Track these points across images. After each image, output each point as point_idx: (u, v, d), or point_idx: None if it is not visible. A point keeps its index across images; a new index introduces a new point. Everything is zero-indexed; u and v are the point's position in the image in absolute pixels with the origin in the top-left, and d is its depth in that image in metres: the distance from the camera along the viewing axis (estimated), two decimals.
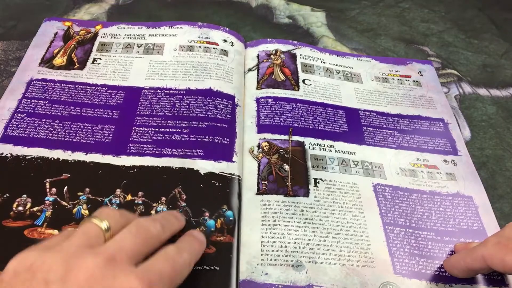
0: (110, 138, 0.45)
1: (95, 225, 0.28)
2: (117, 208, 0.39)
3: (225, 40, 0.56)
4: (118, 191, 0.41)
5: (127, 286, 0.24)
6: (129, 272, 0.25)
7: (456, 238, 0.41)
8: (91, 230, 0.27)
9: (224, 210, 0.40)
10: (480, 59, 0.62)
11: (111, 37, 0.56)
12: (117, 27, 0.57)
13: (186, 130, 0.46)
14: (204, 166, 0.43)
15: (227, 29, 0.58)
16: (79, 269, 0.24)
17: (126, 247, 0.27)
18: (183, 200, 0.41)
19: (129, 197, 0.40)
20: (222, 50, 0.55)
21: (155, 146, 0.45)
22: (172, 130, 0.46)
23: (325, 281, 0.37)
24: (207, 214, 0.40)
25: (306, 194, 0.43)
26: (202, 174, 0.43)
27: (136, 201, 0.40)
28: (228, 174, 0.43)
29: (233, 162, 0.44)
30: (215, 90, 0.50)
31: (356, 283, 0.37)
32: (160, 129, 0.46)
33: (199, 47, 0.55)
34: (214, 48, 0.55)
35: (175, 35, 0.56)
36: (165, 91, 0.50)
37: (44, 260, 0.24)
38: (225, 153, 0.45)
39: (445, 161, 0.48)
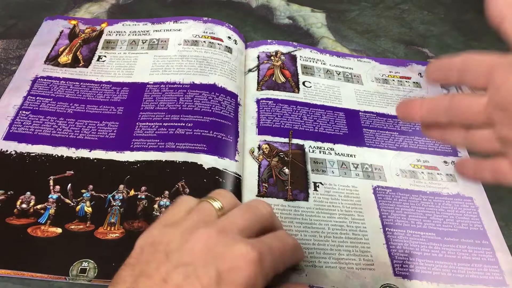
0: (114, 134, 0.45)
1: (209, 204, 0.30)
2: (120, 204, 0.40)
3: (229, 37, 0.56)
4: (121, 186, 0.41)
5: (239, 252, 0.26)
6: (239, 241, 0.27)
7: (456, 239, 0.41)
8: (205, 208, 0.30)
9: None
10: None
11: (116, 35, 0.56)
12: (122, 24, 0.57)
13: (190, 124, 0.46)
14: (207, 161, 0.43)
15: (231, 26, 0.58)
16: (194, 240, 0.27)
17: (237, 222, 0.29)
18: (186, 194, 0.41)
19: (132, 192, 0.41)
20: (226, 47, 0.55)
21: (158, 140, 0.44)
22: (176, 124, 0.46)
23: (325, 283, 0.37)
24: None
25: (306, 198, 0.43)
26: (206, 168, 0.43)
27: (139, 196, 0.40)
28: (232, 172, 0.43)
29: (236, 161, 0.44)
30: (219, 86, 0.50)
31: (356, 285, 0.37)
32: (164, 124, 0.46)
33: (204, 42, 0.55)
34: (218, 44, 0.55)
35: (179, 30, 0.56)
36: (169, 85, 0.50)
37: (165, 235, 0.27)
38: (229, 151, 0.45)
39: (445, 162, 0.48)
